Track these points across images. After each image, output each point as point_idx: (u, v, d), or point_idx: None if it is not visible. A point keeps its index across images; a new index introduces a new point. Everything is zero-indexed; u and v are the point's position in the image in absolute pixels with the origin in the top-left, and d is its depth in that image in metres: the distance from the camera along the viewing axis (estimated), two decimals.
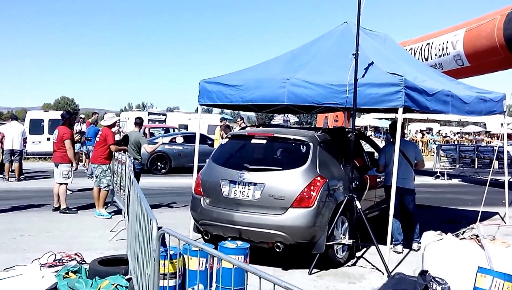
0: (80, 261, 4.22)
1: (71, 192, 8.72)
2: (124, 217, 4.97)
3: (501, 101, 6.32)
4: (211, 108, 15.89)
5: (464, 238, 3.72)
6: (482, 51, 9.24)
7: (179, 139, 12.56)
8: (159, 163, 12.51)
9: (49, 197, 6.83)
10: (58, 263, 4.11)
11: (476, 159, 12.33)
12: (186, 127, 19.03)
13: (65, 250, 4.48)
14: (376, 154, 6.16)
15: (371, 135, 26.91)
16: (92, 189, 6.98)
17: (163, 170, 12.48)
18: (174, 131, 16.45)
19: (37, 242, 5.19)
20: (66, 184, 6.81)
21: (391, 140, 5.42)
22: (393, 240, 4.98)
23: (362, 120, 30.47)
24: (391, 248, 4.80)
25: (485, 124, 31.99)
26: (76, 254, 4.32)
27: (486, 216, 7.08)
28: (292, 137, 4.76)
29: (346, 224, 4.64)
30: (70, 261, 4.18)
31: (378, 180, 5.54)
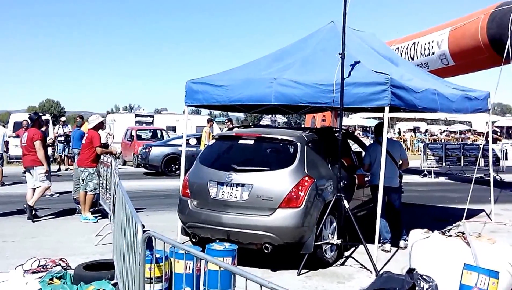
0: (65, 267, 4.13)
1: (58, 194, 8.54)
2: (110, 221, 4.88)
3: (486, 99, 6.42)
4: (199, 109, 15.81)
5: (450, 236, 3.75)
6: (467, 50, 9.37)
7: (193, 141, 12.45)
8: (173, 165, 12.37)
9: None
10: (42, 269, 4.01)
11: (462, 157, 12.50)
12: (174, 128, 18.89)
13: (50, 256, 4.38)
14: (364, 153, 6.19)
15: (359, 134, 27.15)
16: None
17: (178, 171, 12.32)
18: (161, 133, 16.33)
19: (21, 248, 5.07)
20: (48, 187, 6.56)
21: (377, 139, 5.46)
22: (381, 238, 5.00)
23: (351, 120, 30.69)
24: (379, 247, 4.83)
25: (470, 123, 32.56)
26: (60, 259, 4.23)
27: (473, 213, 7.19)
28: (279, 137, 4.75)
29: (335, 224, 4.64)
30: (54, 266, 4.08)
31: (366, 179, 5.57)
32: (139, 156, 13.06)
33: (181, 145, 12.45)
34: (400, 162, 5.29)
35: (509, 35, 7.96)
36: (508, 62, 7.96)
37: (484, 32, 8.75)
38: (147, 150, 12.56)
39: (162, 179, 11.71)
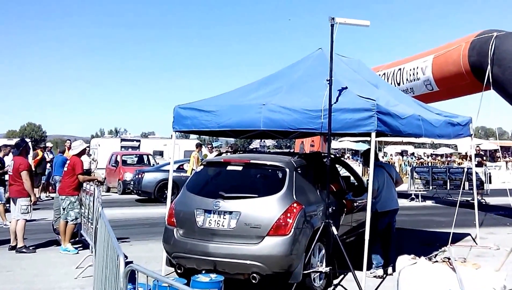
0: None
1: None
2: (92, 252, 4.68)
3: (468, 124, 6.56)
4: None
5: (436, 261, 3.72)
6: (450, 77, 9.67)
7: (187, 166, 12.25)
8: (166, 191, 12.10)
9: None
10: None
11: (448, 180, 12.64)
12: (161, 153, 18.70)
13: None
14: (352, 178, 6.19)
15: (348, 157, 27.36)
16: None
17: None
18: (148, 157, 16.11)
19: None
20: (25, 220, 6.25)
21: (379, 163, 5.52)
22: (375, 263, 4.95)
23: (340, 143, 31.00)
24: (371, 272, 4.74)
25: (456, 146, 33.27)
26: None
27: (459, 237, 7.18)
28: (268, 163, 4.71)
29: (323, 251, 4.56)
30: None
31: (355, 204, 5.54)
32: (132, 182, 12.76)
33: (175, 171, 12.34)
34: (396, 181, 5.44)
35: (489, 63, 8.29)
36: (489, 88, 8.23)
37: (466, 60, 9.07)
38: (139, 176, 12.29)
39: (148, 206, 11.42)
